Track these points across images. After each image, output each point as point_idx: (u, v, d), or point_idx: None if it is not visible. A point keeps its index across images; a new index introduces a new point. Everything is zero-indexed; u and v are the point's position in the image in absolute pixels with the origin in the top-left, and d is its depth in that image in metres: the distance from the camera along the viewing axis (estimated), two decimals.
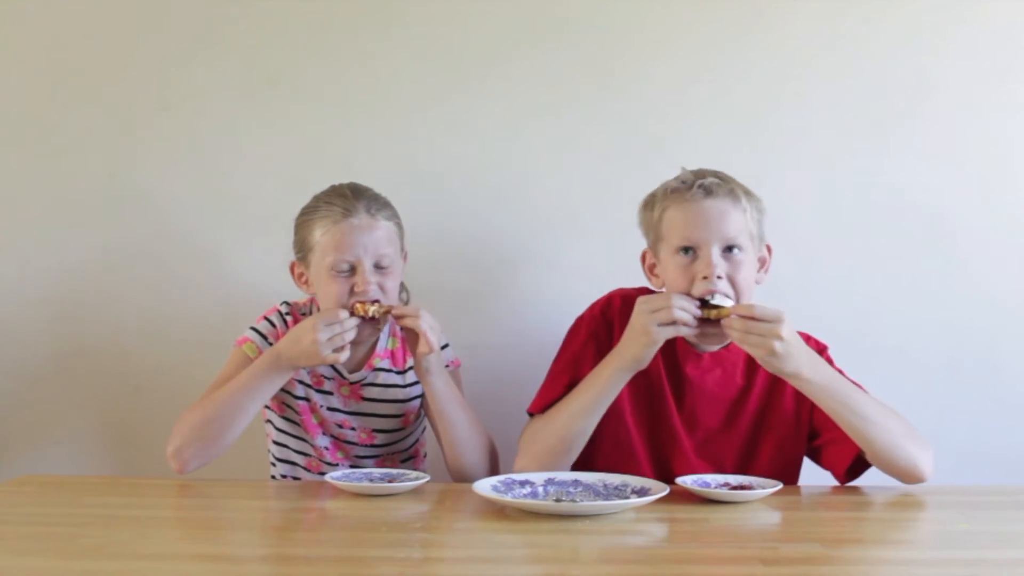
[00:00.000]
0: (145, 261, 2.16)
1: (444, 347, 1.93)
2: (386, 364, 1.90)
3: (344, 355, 1.69)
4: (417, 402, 1.92)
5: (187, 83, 2.15)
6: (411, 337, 1.75)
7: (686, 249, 1.71)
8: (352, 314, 1.71)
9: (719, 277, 1.67)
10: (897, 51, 2.15)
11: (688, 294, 1.68)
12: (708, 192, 1.71)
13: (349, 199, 1.80)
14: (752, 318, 1.58)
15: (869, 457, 1.68)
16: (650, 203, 1.79)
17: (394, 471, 1.77)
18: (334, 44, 2.16)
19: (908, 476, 1.68)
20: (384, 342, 1.91)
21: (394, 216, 1.84)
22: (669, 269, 1.73)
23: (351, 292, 1.77)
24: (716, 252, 1.68)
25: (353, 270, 1.77)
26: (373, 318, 1.74)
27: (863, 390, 1.74)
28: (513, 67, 2.15)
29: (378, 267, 1.79)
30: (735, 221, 1.70)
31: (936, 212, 2.16)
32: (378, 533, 1.45)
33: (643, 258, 1.84)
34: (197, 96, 2.16)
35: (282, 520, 1.55)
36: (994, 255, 2.17)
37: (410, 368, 1.90)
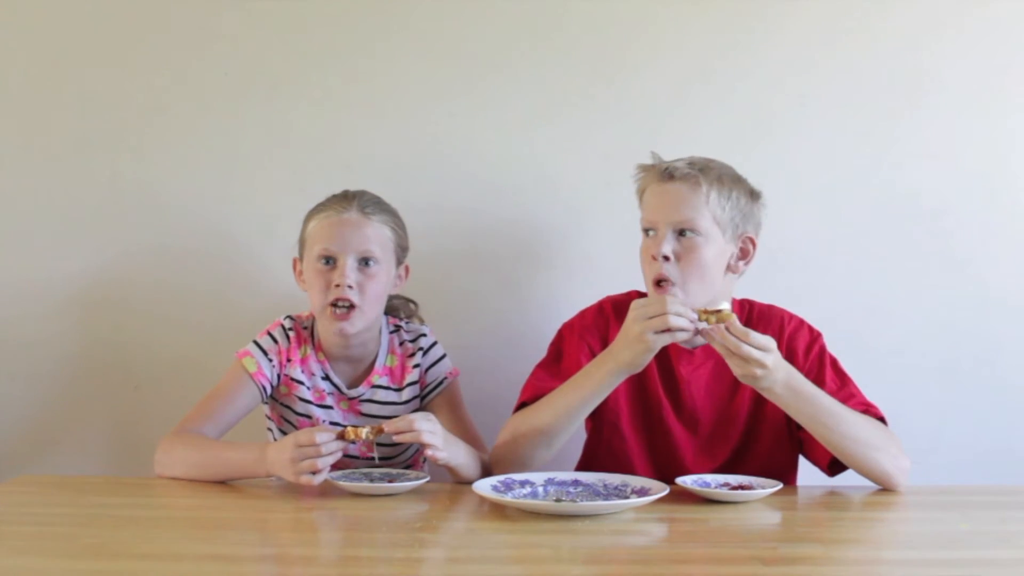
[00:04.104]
0: (145, 262, 2.16)
1: (442, 358, 1.93)
2: (384, 381, 1.89)
3: (318, 479, 1.60)
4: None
5: (187, 83, 2.15)
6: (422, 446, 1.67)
7: (648, 229, 1.77)
8: (342, 437, 1.61)
9: (665, 258, 1.71)
10: (897, 51, 2.15)
11: (657, 282, 1.72)
12: (670, 176, 1.74)
13: (347, 198, 1.82)
14: (743, 341, 1.57)
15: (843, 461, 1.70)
16: (635, 179, 1.83)
17: (394, 471, 1.77)
18: (334, 44, 2.15)
19: (881, 484, 1.69)
20: (383, 359, 1.90)
21: (391, 223, 1.84)
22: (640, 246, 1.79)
23: (328, 286, 1.77)
24: (669, 234, 1.72)
25: (336, 263, 1.78)
26: (368, 441, 1.66)
27: (852, 387, 1.75)
28: (514, 68, 2.15)
29: (363, 267, 1.79)
30: (691, 206, 1.72)
31: (936, 211, 2.16)
32: (378, 533, 1.45)
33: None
34: (197, 96, 2.15)
35: (282, 520, 1.55)
36: (994, 255, 2.17)
37: (408, 385, 1.89)
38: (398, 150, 2.15)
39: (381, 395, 1.88)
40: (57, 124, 2.16)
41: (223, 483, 1.71)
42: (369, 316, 1.82)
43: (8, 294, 2.16)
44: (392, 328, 1.94)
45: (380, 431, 1.63)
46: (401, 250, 1.87)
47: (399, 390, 1.89)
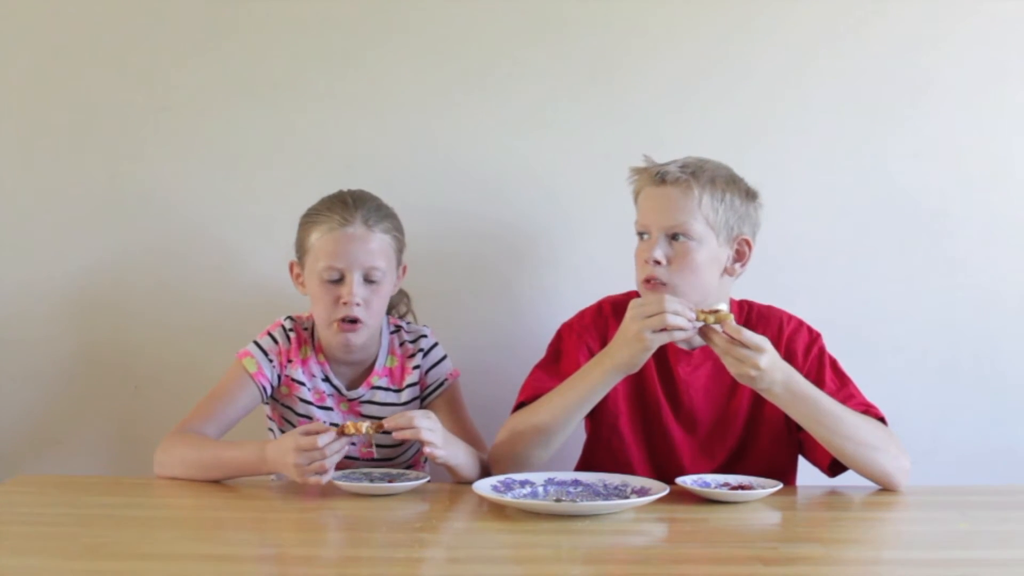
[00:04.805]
0: (145, 261, 2.16)
1: (442, 360, 1.93)
2: (384, 383, 1.89)
3: (326, 478, 1.61)
4: None
5: (187, 83, 2.15)
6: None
7: (642, 232, 1.77)
8: (342, 433, 1.62)
9: (657, 262, 1.71)
10: (897, 51, 2.15)
11: (646, 280, 1.72)
12: (662, 179, 1.74)
13: (349, 208, 1.80)
14: (737, 341, 1.58)
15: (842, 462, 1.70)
16: (631, 180, 1.82)
17: (394, 471, 1.77)
18: (334, 44, 2.15)
19: (881, 484, 1.69)
20: (383, 360, 1.89)
21: (393, 229, 1.83)
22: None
23: (336, 302, 1.77)
24: (661, 238, 1.73)
25: (342, 279, 1.78)
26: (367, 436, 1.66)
27: (852, 387, 1.75)
28: (514, 67, 2.15)
29: (368, 280, 1.79)
30: (682, 210, 1.72)
31: (936, 211, 2.16)
32: (378, 533, 1.45)
33: None
34: (197, 96, 2.15)
35: (282, 520, 1.55)
36: (994, 254, 2.17)
37: (408, 386, 1.89)
38: (397, 151, 2.15)
39: (381, 396, 1.88)
40: (57, 124, 2.15)
41: (223, 483, 1.71)
42: (374, 328, 1.84)
43: (8, 294, 2.16)
44: (392, 328, 1.94)
45: (380, 427, 1.63)
46: (401, 253, 1.87)
47: (399, 391, 1.89)
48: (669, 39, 2.15)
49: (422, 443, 1.63)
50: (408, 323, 1.98)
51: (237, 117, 2.15)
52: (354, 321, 1.78)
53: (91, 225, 2.16)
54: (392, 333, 1.93)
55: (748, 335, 1.58)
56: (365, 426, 1.62)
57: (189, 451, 1.73)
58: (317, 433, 1.61)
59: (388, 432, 1.63)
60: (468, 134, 2.16)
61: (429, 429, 1.63)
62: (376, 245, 1.79)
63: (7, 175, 2.16)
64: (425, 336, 1.94)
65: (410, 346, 1.92)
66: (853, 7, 2.15)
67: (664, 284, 1.71)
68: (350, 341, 1.80)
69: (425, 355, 1.92)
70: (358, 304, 1.77)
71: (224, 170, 2.16)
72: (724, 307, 1.62)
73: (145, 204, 2.16)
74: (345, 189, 1.86)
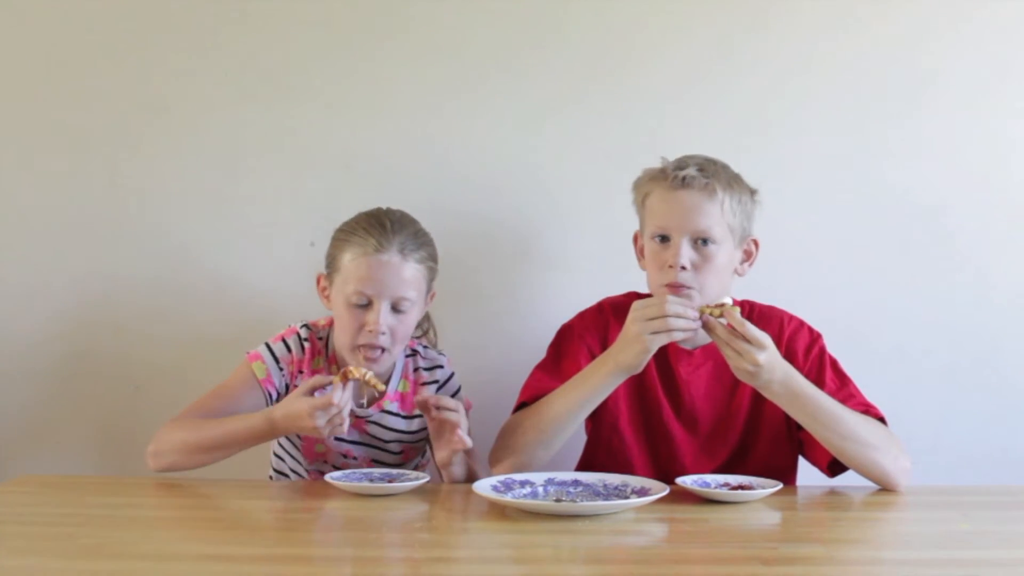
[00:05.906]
0: (144, 262, 2.16)
1: (457, 391, 1.91)
2: (395, 408, 1.86)
3: (346, 427, 1.65)
4: (422, 442, 1.89)
5: (187, 84, 2.15)
6: (441, 428, 1.70)
7: (662, 237, 1.75)
8: (345, 377, 1.64)
9: (683, 268, 1.70)
10: (898, 50, 2.15)
11: (670, 285, 1.71)
12: (684, 183, 1.73)
13: (387, 233, 1.76)
14: (739, 335, 1.58)
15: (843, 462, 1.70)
16: (637, 184, 1.82)
17: (394, 471, 1.77)
18: (334, 44, 2.15)
19: (881, 484, 1.69)
20: (396, 383, 1.87)
21: (428, 259, 1.80)
22: (647, 252, 1.78)
23: (361, 328, 1.75)
24: (686, 243, 1.71)
25: (370, 304, 1.75)
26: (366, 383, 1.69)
27: (852, 387, 1.75)
28: (514, 67, 2.15)
29: (396, 309, 1.76)
30: (708, 214, 1.71)
31: (936, 211, 2.16)
32: (378, 533, 1.45)
33: (635, 239, 1.85)
34: (197, 97, 2.15)
35: (282, 520, 1.55)
36: (995, 254, 2.17)
37: (418, 415, 1.85)
38: (397, 151, 2.15)
39: (390, 420, 1.86)
40: (57, 125, 2.15)
41: (223, 483, 1.71)
42: (396, 354, 1.82)
43: (8, 294, 2.16)
44: (409, 352, 1.91)
45: (384, 394, 1.72)
46: (432, 281, 1.84)
47: (409, 418, 1.87)
48: (669, 39, 2.15)
49: (454, 427, 1.67)
50: (426, 347, 1.95)
51: (237, 118, 2.15)
52: (379, 349, 1.76)
53: (90, 226, 2.16)
54: (408, 356, 1.90)
55: (751, 329, 1.58)
56: (369, 374, 1.65)
57: (189, 434, 1.72)
58: (323, 387, 1.64)
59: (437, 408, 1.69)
60: (467, 134, 2.15)
61: (465, 426, 1.68)
62: (409, 275, 1.77)
63: (7, 176, 2.16)
64: (442, 367, 1.91)
65: (425, 374, 1.89)
66: (853, 7, 2.14)
67: (691, 288, 1.70)
68: (371, 367, 1.77)
69: (440, 387, 1.90)
70: (383, 333, 1.75)
71: (223, 171, 2.16)
72: (729, 301, 1.62)
73: (144, 204, 2.15)
74: (384, 208, 1.83)
